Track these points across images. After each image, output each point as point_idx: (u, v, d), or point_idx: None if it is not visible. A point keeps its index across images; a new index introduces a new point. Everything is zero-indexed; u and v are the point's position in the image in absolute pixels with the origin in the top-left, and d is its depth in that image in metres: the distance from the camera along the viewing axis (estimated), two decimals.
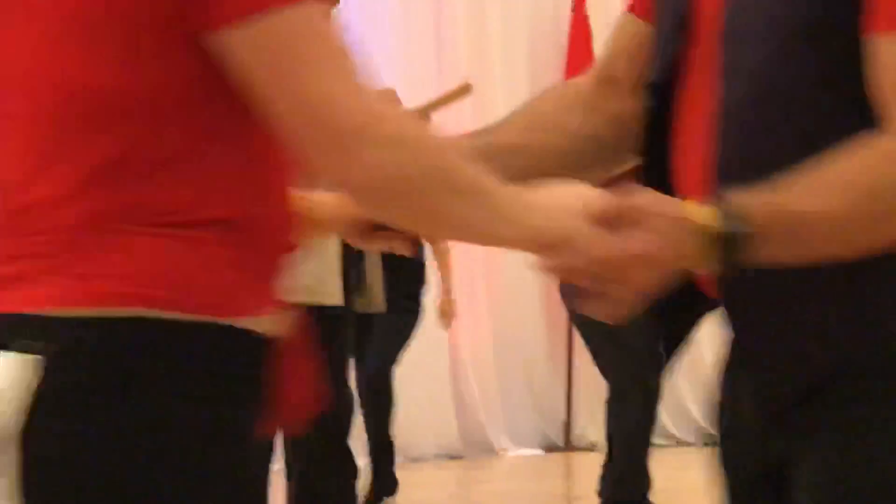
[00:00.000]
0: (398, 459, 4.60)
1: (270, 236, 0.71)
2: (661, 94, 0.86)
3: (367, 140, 0.64)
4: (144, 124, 0.65)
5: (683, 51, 0.83)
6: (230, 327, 0.67)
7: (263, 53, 0.63)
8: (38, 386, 0.63)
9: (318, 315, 2.42)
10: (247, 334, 0.68)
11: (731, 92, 0.80)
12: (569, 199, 0.72)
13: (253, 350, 0.69)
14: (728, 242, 0.70)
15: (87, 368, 0.65)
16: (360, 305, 3.14)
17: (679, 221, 0.71)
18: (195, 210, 0.66)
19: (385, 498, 4.45)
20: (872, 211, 0.73)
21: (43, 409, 0.64)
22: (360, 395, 4.03)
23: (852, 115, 0.76)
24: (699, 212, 0.71)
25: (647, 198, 0.73)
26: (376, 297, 3.21)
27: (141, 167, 0.65)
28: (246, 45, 0.63)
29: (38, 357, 0.64)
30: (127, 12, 0.64)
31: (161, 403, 0.66)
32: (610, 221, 0.70)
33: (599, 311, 0.74)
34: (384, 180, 0.65)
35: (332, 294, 2.83)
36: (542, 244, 0.71)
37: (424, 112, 2.87)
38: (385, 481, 4.39)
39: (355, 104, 0.65)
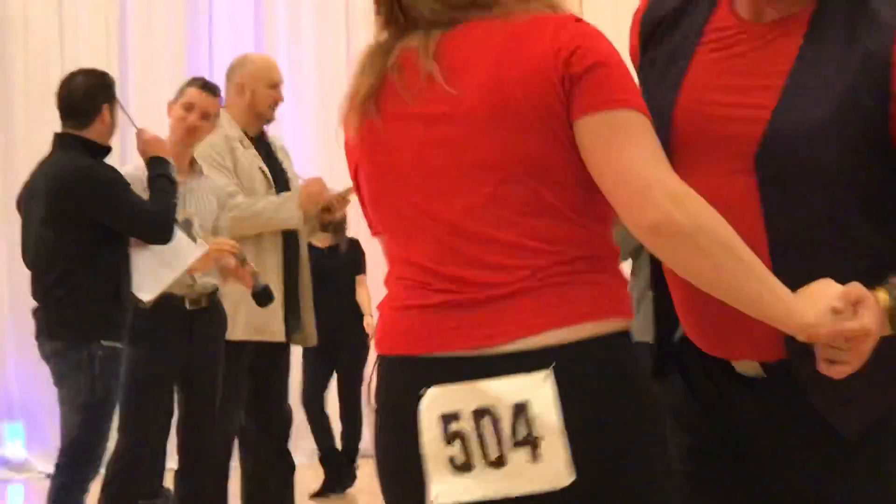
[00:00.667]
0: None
1: (613, 263, 1.02)
2: None
3: (659, 196, 0.89)
4: (561, 184, 0.95)
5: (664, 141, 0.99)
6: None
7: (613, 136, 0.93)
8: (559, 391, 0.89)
9: (261, 349, 3.27)
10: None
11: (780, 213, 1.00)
12: (821, 292, 0.93)
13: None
14: (892, 316, 0.93)
15: (594, 372, 0.93)
16: (298, 340, 3.63)
17: (877, 304, 0.92)
18: (597, 252, 0.98)
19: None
20: None
21: (569, 405, 0.90)
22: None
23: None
24: (882, 295, 0.93)
25: (857, 287, 0.92)
26: (310, 333, 3.75)
27: (573, 219, 0.96)
28: (598, 129, 0.93)
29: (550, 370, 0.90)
30: (538, 108, 0.93)
31: (646, 390, 0.96)
32: (845, 307, 0.90)
33: (833, 373, 0.92)
34: (666, 224, 0.89)
35: (276, 332, 3.39)
36: (789, 321, 0.92)
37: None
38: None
39: (660, 174, 0.92)
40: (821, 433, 1.02)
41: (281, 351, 3.53)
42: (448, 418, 0.92)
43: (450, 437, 0.92)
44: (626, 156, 0.91)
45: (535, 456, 0.90)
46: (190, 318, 3.23)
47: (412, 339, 0.97)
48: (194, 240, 3.20)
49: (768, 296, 0.90)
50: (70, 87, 3.18)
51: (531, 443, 0.90)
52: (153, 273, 3.16)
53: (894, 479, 1.04)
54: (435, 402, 0.93)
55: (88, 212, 3.05)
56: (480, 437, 0.91)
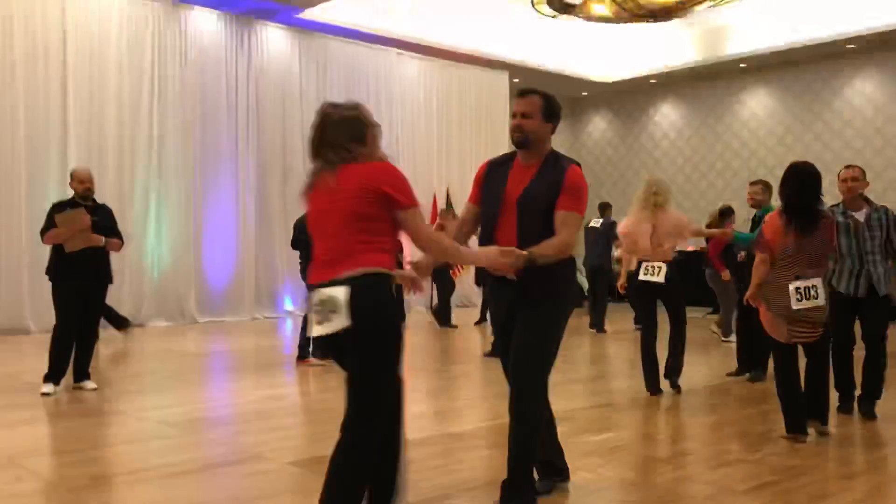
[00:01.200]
0: None
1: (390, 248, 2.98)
2: (492, 226, 3.56)
3: (427, 241, 3.06)
4: (375, 231, 2.91)
5: (498, 215, 3.54)
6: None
7: (409, 222, 2.94)
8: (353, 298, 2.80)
9: None
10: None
11: (523, 228, 3.47)
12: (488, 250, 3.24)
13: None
14: (529, 259, 3.25)
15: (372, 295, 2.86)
16: None
17: (521, 253, 3.25)
18: (383, 250, 2.92)
19: None
20: (563, 249, 3.41)
21: (352, 298, 2.80)
22: None
23: (550, 233, 3.42)
24: (525, 252, 3.27)
25: (511, 247, 3.28)
26: None
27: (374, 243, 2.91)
28: (404, 218, 2.94)
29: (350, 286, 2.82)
30: (371, 209, 2.89)
31: (384, 292, 2.88)
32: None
33: (504, 273, 3.37)
34: (429, 249, 3.11)
35: None
36: (482, 259, 3.26)
37: None
38: None
39: (429, 235, 3.05)
40: (528, 296, 3.45)
41: None
42: (316, 303, 2.87)
43: (316, 310, 2.87)
44: (420, 224, 2.98)
45: (337, 315, 2.79)
46: None
47: (313, 276, 2.96)
48: None
49: (470, 257, 3.43)
50: None
51: (336, 311, 2.79)
52: None
53: (550, 314, 3.48)
54: (313, 296, 2.90)
55: None
56: (323, 309, 2.84)
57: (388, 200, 2.85)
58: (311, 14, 13.04)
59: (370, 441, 2.81)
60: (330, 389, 6.37)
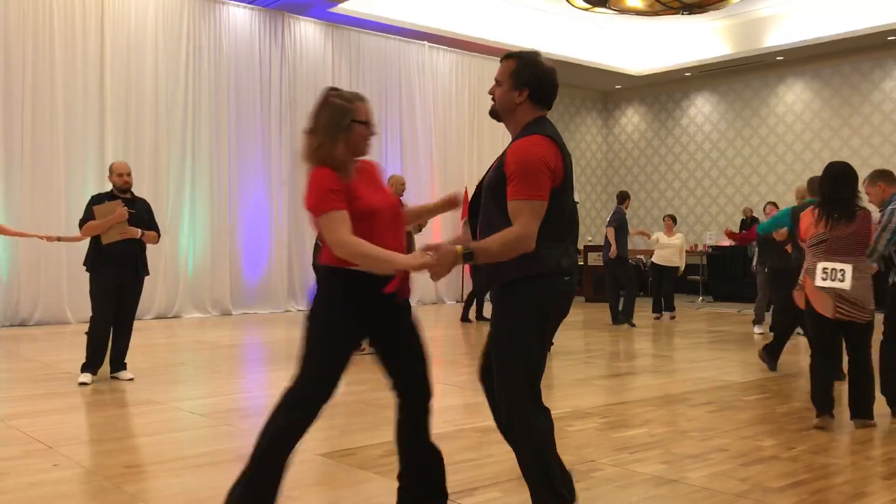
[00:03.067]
0: None
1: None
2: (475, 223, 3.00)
3: (336, 247, 2.81)
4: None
5: (478, 208, 2.99)
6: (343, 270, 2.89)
7: (320, 229, 2.86)
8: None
9: None
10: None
11: (484, 224, 2.90)
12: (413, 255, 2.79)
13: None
14: (466, 256, 2.70)
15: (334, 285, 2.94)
16: None
17: (454, 250, 2.70)
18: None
19: None
20: (509, 244, 2.71)
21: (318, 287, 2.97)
22: None
23: (507, 223, 2.75)
24: (459, 248, 2.71)
25: (439, 242, 2.76)
26: None
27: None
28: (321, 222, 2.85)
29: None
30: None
31: (336, 284, 2.93)
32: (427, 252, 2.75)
33: (434, 278, 2.74)
34: (341, 254, 2.81)
35: None
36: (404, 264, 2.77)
37: None
38: None
39: (337, 239, 2.81)
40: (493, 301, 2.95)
41: None
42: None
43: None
44: (327, 231, 2.84)
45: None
46: None
47: None
48: None
49: (385, 262, 2.78)
50: None
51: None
52: None
53: (510, 322, 2.83)
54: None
55: None
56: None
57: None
58: (343, 8, 13.09)
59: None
60: (362, 382, 6.40)
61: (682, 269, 12.68)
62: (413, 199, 14.80)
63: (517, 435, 2.86)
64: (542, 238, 2.75)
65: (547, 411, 2.86)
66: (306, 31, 13.65)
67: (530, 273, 2.77)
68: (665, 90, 18.89)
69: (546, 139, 2.77)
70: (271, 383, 6.62)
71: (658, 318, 12.16)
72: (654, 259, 12.60)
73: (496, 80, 2.95)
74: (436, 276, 2.70)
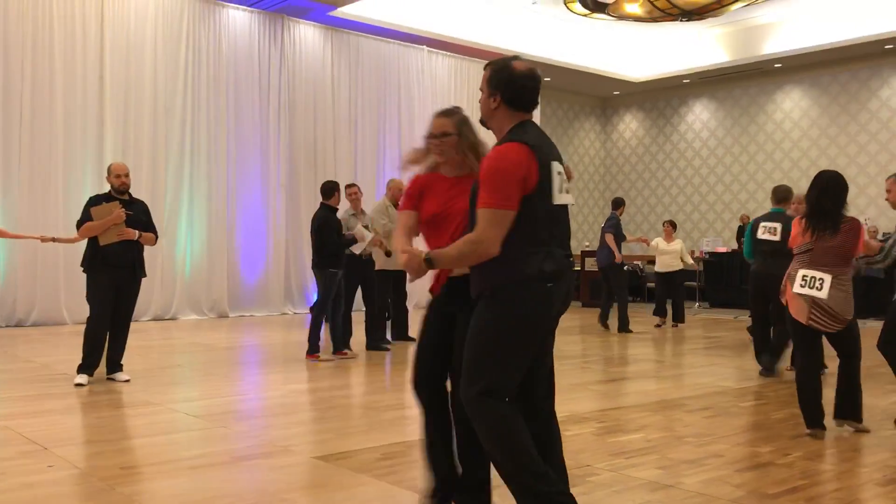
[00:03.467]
0: None
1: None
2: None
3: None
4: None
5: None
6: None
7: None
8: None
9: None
10: None
11: (469, 229, 2.88)
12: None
13: None
14: (427, 261, 2.86)
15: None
16: None
17: (419, 255, 2.89)
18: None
19: None
20: (465, 250, 2.78)
21: None
22: None
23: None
24: (425, 255, 2.89)
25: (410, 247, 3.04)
26: None
27: None
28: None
29: None
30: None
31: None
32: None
33: (411, 279, 3.02)
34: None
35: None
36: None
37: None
38: None
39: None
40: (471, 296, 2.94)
41: None
42: None
43: None
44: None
45: None
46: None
47: None
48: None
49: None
50: None
51: None
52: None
53: (487, 314, 2.82)
54: None
55: None
56: None
57: None
58: (343, 12, 13.11)
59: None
60: (357, 385, 6.40)
61: (689, 263, 12.60)
62: None
63: (477, 426, 2.81)
64: (520, 244, 2.77)
65: (512, 406, 2.83)
66: (306, 34, 13.67)
67: (512, 280, 2.77)
68: (663, 96, 18.93)
69: (520, 146, 2.78)
70: (267, 386, 6.62)
71: (659, 326, 12.10)
72: (657, 267, 12.51)
73: (480, 90, 3.02)
74: (410, 279, 2.99)
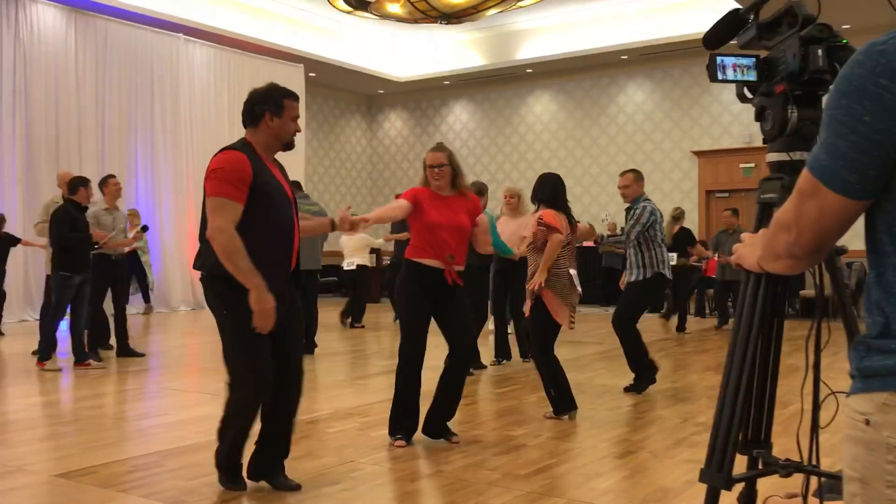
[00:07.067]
0: None
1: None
2: None
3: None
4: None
5: None
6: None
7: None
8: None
9: None
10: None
11: None
12: None
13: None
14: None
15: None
16: None
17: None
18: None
19: None
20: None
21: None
22: None
23: None
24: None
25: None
26: None
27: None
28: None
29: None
30: None
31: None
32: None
33: None
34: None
35: None
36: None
37: None
38: None
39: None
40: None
41: None
42: None
43: None
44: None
45: None
46: None
47: None
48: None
49: None
50: None
51: None
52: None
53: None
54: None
55: None
56: None
57: None
58: None
59: None
60: (103, 395, 5.95)
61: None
62: (159, 200, 14.05)
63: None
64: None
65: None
66: (45, 14, 12.49)
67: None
68: (426, 97, 19.46)
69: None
70: (1, 400, 5.96)
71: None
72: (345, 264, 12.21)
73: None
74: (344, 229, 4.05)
